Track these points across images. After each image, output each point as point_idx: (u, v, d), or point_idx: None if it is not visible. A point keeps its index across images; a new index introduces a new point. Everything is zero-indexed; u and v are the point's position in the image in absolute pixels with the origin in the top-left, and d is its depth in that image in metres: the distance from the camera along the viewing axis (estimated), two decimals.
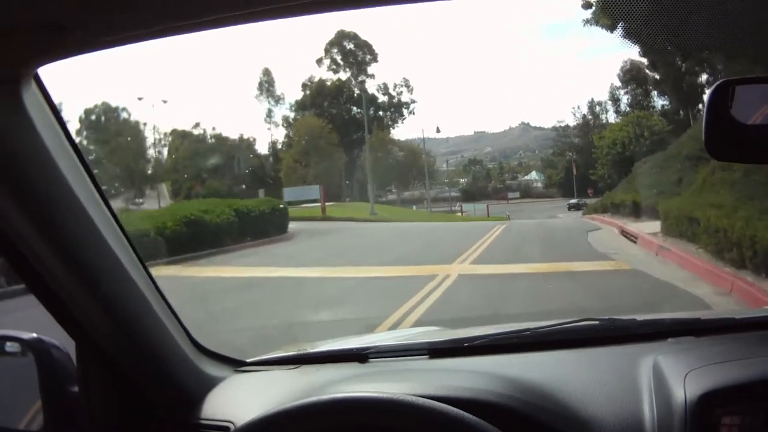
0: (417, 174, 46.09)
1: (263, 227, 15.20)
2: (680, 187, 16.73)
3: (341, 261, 12.64)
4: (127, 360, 1.36)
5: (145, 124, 41.77)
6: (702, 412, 1.16)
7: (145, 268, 1.35)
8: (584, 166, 48.91)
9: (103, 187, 1.25)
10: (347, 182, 47.14)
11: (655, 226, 13.71)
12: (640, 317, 1.69)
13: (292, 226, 17.78)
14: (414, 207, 40.12)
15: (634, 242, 13.23)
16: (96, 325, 1.29)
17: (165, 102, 65.11)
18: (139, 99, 52.18)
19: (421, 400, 0.94)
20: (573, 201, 46.45)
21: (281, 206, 16.84)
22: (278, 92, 49.62)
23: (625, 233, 15.11)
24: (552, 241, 15.54)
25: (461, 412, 0.91)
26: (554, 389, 1.31)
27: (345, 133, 46.75)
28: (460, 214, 38.66)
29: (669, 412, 1.20)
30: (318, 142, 44.38)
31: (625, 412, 1.25)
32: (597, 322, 1.62)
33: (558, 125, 52.95)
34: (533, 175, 59.52)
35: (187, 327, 1.47)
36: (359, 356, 1.52)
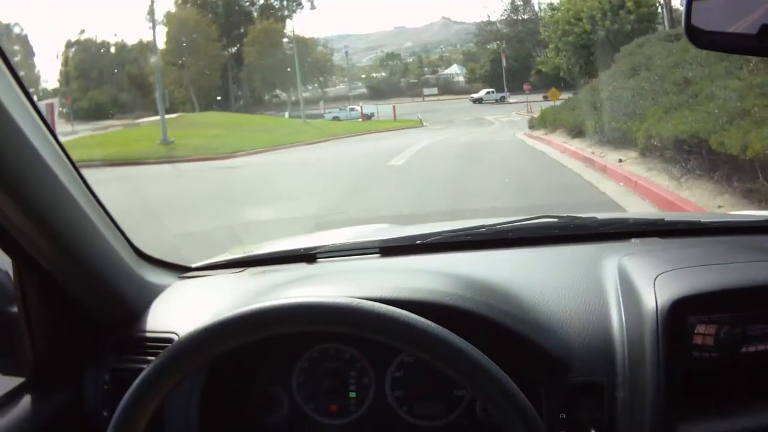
0: (313, 71, 39.66)
1: None
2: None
3: None
4: (66, 274, 1.25)
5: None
6: (674, 319, 1.09)
7: (79, 174, 1.22)
8: (515, 58, 43.67)
9: None
10: (234, 85, 40.74)
11: None
12: (600, 215, 1.61)
13: None
14: (286, 114, 33.05)
15: None
16: (30, 240, 1.18)
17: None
18: None
19: (369, 304, 0.88)
20: (480, 94, 39.42)
21: None
22: None
23: None
24: None
25: (412, 315, 0.86)
26: (513, 290, 1.22)
27: (229, 25, 39.96)
28: (361, 119, 31.76)
29: (639, 318, 1.12)
30: (192, 38, 37.49)
31: (592, 317, 1.17)
32: (556, 220, 1.54)
33: (482, 20, 46.35)
34: (454, 68, 54.63)
35: (126, 234, 1.35)
36: (307, 257, 1.46)
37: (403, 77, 53.71)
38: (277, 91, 41.15)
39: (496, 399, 0.83)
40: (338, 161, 13.71)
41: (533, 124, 18.99)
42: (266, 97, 41.88)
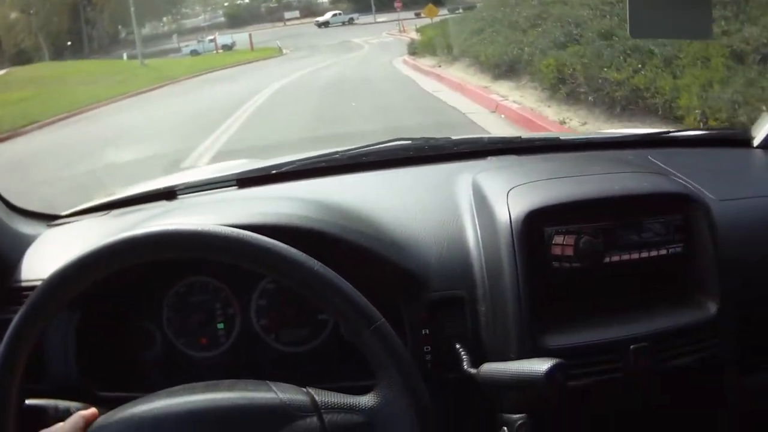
0: (165, 3, 38.30)
1: None
2: None
3: None
4: None
5: None
6: (529, 231, 1.11)
7: None
8: None
9: None
10: (88, 26, 38.62)
11: None
12: (456, 137, 1.64)
13: None
14: (124, 56, 31.28)
15: None
16: None
17: None
18: None
19: (216, 228, 0.87)
20: (326, 17, 35.86)
21: None
22: None
23: None
24: None
25: (262, 237, 0.85)
26: (367, 211, 1.24)
27: None
28: (216, 51, 31.05)
29: (494, 232, 1.14)
30: None
31: (446, 233, 1.19)
32: (410, 142, 1.57)
33: None
34: None
35: None
36: (168, 194, 1.49)
37: (264, 2, 52.65)
38: (133, 28, 39.65)
39: (336, 303, 0.82)
40: (119, 162, 7.65)
41: (415, 49, 16.30)
42: (122, 36, 39.98)
